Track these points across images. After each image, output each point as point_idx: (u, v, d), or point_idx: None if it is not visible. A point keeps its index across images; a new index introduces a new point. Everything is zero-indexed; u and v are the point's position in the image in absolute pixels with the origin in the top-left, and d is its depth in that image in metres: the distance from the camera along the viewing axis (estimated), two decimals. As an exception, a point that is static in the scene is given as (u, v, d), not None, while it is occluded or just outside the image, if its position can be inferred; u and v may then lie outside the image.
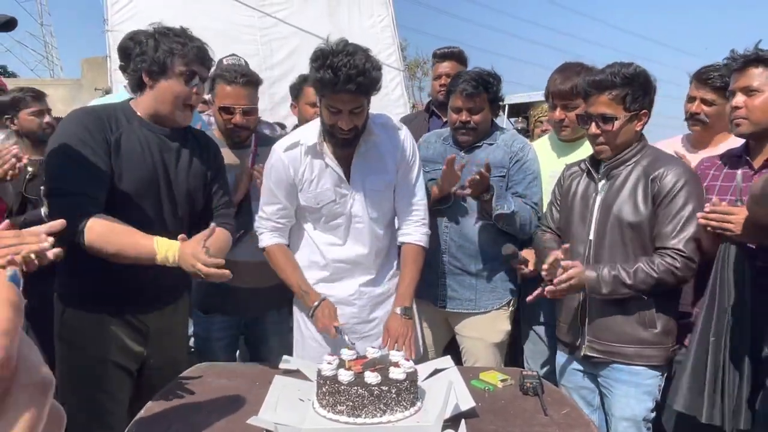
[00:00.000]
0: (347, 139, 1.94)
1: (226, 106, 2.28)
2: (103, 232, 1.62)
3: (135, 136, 1.79)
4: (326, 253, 2.12)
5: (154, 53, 1.75)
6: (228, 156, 2.33)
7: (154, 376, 1.90)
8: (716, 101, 2.35)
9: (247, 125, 2.32)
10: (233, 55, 3.21)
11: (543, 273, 1.93)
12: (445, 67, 3.26)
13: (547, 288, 1.90)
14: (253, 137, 2.41)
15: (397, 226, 2.21)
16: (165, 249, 1.61)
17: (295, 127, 3.10)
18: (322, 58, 1.80)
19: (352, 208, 2.06)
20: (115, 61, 5.58)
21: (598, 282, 1.87)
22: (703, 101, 2.38)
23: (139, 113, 1.83)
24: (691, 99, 2.44)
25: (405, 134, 2.09)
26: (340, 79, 1.78)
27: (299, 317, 2.20)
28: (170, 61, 1.75)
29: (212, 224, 1.64)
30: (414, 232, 2.12)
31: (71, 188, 1.65)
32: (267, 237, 2.12)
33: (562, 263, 1.87)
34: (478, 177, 2.15)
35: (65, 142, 1.69)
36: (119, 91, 2.76)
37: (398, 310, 2.03)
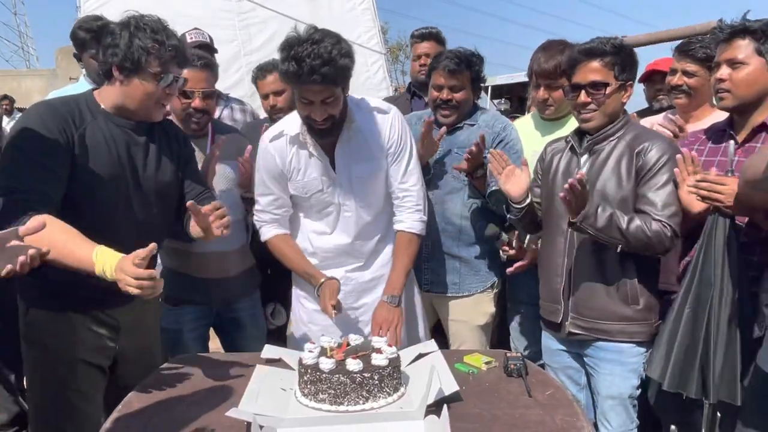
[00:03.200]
0: (324, 129, 1.90)
1: (184, 90, 2.16)
2: (41, 234, 1.27)
3: (100, 132, 1.70)
4: (314, 241, 2.11)
5: (127, 48, 1.65)
6: None
7: (128, 371, 1.86)
8: (698, 72, 2.35)
9: (206, 109, 2.25)
10: (196, 29, 3.14)
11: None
12: (424, 47, 3.24)
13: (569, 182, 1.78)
14: (210, 126, 2.35)
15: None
16: (103, 262, 1.42)
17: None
18: (288, 48, 1.75)
19: (339, 196, 2.03)
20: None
21: (596, 213, 1.83)
22: (685, 73, 2.38)
23: (103, 105, 1.74)
24: (672, 71, 2.44)
25: (392, 117, 2.03)
26: (303, 70, 1.72)
27: (296, 301, 2.22)
28: (145, 59, 1.66)
29: (152, 244, 1.41)
30: (406, 219, 2.08)
31: (19, 185, 1.54)
32: (267, 230, 2.11)
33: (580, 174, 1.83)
34: (475, 149, 2.15)
35: (19, 137, 1.60)
36: (80, 80, 2.68)
37: (385, 298, 2.01)
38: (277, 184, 2.05)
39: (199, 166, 2.21)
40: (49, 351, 1.75)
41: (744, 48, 1.81)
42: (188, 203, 1.61)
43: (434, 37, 3.26)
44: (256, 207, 2.13)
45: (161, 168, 1.85)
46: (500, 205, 2.27)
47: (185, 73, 2.12)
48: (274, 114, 2.91)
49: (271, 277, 2.58)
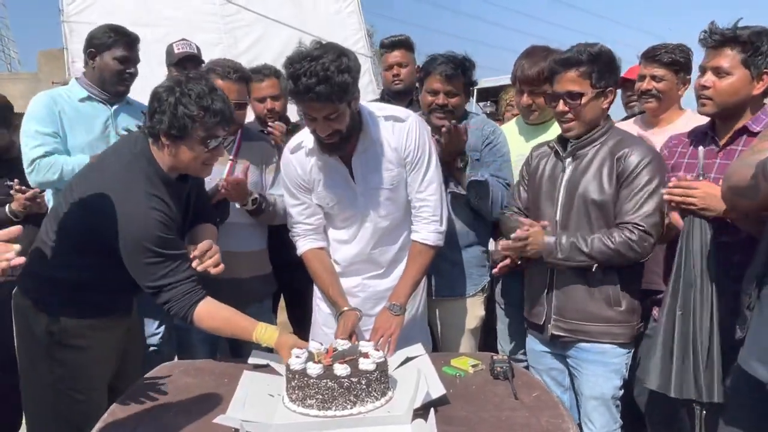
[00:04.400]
0: (333, 144, 1.88)
1: None
2: (210, 324, 1.82)
3: (172, 206, 1.80)
4: (335, 250, 2.13)
5: (173, 116, 1.70)
6: None
7: (123, 372, 1.99)
8: (665, 76, 2.46)
9: (237, 120, 2.33)
10: (184, 39, 3.14)
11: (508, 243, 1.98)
12: (395, 56, 3.22)
13: (502, 243, 1.94)
14: (239, 131, 2.43)
15: None
16: (264, 340, 1.77)
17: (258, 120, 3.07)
18: (288, 65, 1.76)
19: (359, 207, 2.03)
20: (72, 53, 5.38)
21: (555, 246, 1.91)
22: (653, 77, 2.47)
23: (163, 167, 1.80)
24: (641, 77, 2.53)
25: (409, 126, 1.98)
26: (299, 89, 1.72)
27: (314, 302, 2.24)
28: (190, 126, 1.71)
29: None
30: (421, 229, 2.05)
31: (174, 281, 1.74)
32: (302, 243, 2.12)
33: (524, 220, 1.93)
34: (452, 127, 2.14)
35: (149, 244, 1.70)
36: (71, 83, 2.68)
37: (388, 305, 1.99)
38: (304, 192, 2.06)
39: (224, 170, 2.31)
40: (86, 352, 1.84)
41: (731, 58, 1.82)
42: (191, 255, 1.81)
43: (404, 44, 3.24)
44: (290, 220, 2.14)
45: (191, 210, 1.97)
46: (481, 201, 2.27)
47: (219, 83, 2.23)
48: (269, 118, 2.90)
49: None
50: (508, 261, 2.20)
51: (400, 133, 1.98)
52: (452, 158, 2.26)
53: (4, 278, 1.24)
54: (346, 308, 2.00)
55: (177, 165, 1.80)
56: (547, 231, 1.98)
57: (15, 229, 1.25)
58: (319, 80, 1.69)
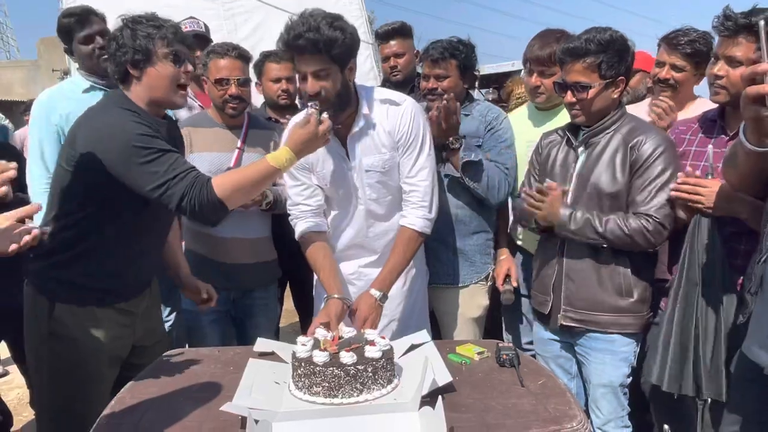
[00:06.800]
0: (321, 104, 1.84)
1: (221, 78, 2.34)
2: (232, 184, 1.72)
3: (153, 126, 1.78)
4: (332, 234, 2.13)
5: (133, 42, 1.75)
6: (225, 137, 2.39)
7: (144, 352, 1.98)
8: (686, 68, 2.35)
9: (242, 96, 2.37)
10: (192, 18, 3.12)
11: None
12: (392, 46, 3.11)
13: (523, 200, 1.98)
14: (245, 118, 2.45)
15: None
16: (282, 157, 1.73)
17: (263, 106, 3.05)
18: (286, 26, 1.82)
19: (353, 188, 2.04)
20: (72, 40, 5.34)
21: (569, 218, 1.90)
22: (673, 67, 2.37)
23: (138, 104, 1.81)
24: (660, 64, 2.42)
25: (404, 109, 1.98)
26: (289, 36, 1.78)
27: (315, 289, 2.25)
28: (152, 45, 1.76)
29: None
30: (409, 214, 2.03)
31: (180, 171, 1.67)
32: (299, 225, 2.09)
33: (551, 183, 1.95)
34: (446, 102, 2.14)
35: (138, 143, 1.66)
36: (74, 75, 2.66)
37: (372, 291, 1.96)
38: (303, 172, 2.06)
39: (232, 157, 2.36)
40: (78, 344, 1.82)
41: (744, 47, 1.77)
42: None
43: (399, 32, 3.12)
44: (288, 202, 2.13)
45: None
46: (476, 184, 2.26)
47: (221, 62, 2.31)
48: (281, 99, 2.88)
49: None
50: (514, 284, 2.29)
51: (395, 116, 1.98)
52: (446, 138, 2.25)
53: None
54: (336, 295, 1.96)
55: (152, 95, 1.81)
56: (564, 203, 1.97)
57: (34, 207, 1.32)
58: (309, 28, 1.77)
